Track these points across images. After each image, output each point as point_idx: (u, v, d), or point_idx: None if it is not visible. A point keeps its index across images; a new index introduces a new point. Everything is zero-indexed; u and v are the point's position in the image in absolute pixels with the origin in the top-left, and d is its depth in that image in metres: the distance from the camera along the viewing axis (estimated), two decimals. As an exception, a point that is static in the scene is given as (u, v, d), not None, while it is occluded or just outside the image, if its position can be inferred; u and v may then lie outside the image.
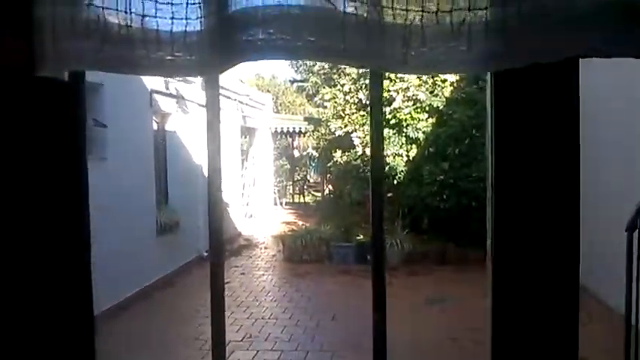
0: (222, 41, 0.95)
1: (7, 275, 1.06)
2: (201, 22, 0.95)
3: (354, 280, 9.81)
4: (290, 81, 26.30)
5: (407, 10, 0.93)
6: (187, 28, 0.96)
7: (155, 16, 0.96)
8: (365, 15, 0.92)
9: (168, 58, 0.96)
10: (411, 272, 10.03)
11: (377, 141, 1.24)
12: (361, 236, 11.19)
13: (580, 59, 1.02)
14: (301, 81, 24.79)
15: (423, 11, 0.93)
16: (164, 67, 0.97)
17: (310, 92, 22.61)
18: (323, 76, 19.75)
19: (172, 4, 0.96)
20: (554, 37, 0.91)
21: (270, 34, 0.93)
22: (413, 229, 10.87)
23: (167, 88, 9.83)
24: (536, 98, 1.07)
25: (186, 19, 0.96)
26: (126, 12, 0.94)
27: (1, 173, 1.05)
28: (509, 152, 1.08)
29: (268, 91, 20.39)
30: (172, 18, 0.96)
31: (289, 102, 25.52)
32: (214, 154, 1.21)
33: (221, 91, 11.86)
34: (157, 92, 9.49)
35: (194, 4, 0.95)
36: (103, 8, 0.94)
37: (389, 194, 11.35)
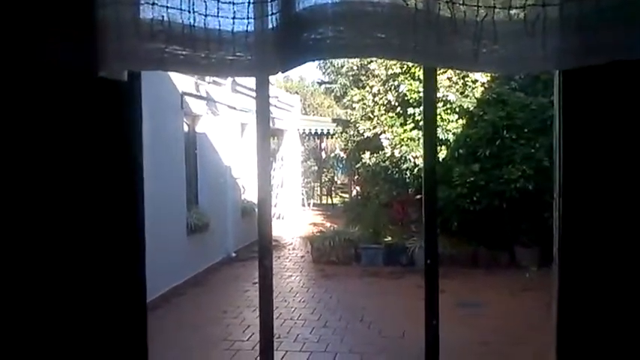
0: (287, 40, 0.93)
1: (66, 270, 1.09)
2: (263, 21, 0.94)
3: (382, 282, 9.75)
4: (318, 83, 26.34)
5: (478, 7, 0.90)
6: (249, 28, 0.96)
7: (217, 16, 0.95)
8: (436, 12, 0.89)
9: (229, 57, 0.95)
10: (441, 275, 9.83)
11: (430, 141, 1.22)
12: (389, 238, 11.13)
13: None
14: (329, 83, 24.80)
15: (495, 7, 0.90)
16: (225, 66, 0.96)
17: (338, 94, 22.61)
18: (351, 78, 19.75)
19: (234, 3, 0.95)
20: (635, 33, 0.87)
21: (340, 32, 0.92)
22: (443, 230, 10.75)
23: (198, 90, 9.95)
24: (607, 97, 1.02)
25: (248, 18, 0.95)
26: (189, 11, 0.94)
27: (64, 172, 1.07)
28: (579, 154, 1.03)
29: (297, 92, 20.46)
30: (234, 17, 0.95)
31: (317, 104, 25.56)
32: (264, 159, 1.21)
33: (250, 93, 11.95)
34: (188, 94, 9.60)
35: (256, 3, 0.94)
36: (167, 8, 0.94)
37: (418, 196, 11.26)
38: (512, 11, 0.92)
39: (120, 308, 1.13)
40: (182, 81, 9.29)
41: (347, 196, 17.74)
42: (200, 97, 10.12)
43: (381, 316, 7.60)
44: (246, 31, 0.95)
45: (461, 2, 0.90)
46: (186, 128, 9.99)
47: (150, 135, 7.75)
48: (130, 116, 1.10)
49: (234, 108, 11.63)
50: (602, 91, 1.02)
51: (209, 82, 10.16)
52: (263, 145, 1.23)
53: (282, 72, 1.00)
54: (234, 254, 11.17)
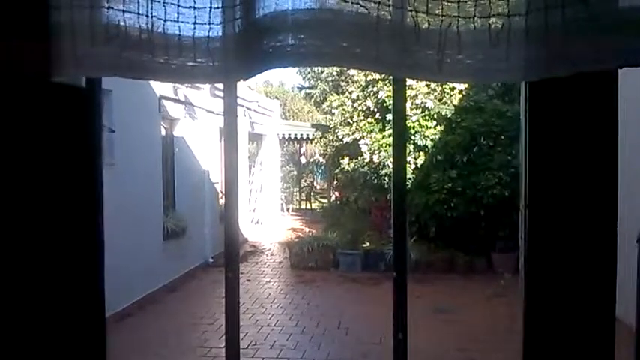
0: (248, 47, 0.90)
1: (22, 277, 1.06)
2: (224, 27, 0.92)
3: (360, 288, 9.76)
4: (298, 88, 26.36)
5: (443, 16, 0.89)
6: (210, 34, 0.93)
7: (177, 21, 0.92)
8: (400, 21, 0.88)
9: (190, 64, 0.92)
10: (418, 280, 9.96)
11: (399, 153, 1.20)
12: (368, 243, 11.15)
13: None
14: (309, 88, 24.83)
15: (459, 17, 0.89)
16: (185, 73, 0.94)
17: (318, 99, 22.66)
18: (331, 83, 19.81)
19: (195, 8, 0.92)
20: (601, 44, 0.87)
21: (301, 40, 0.90)
22: (420, 236, 10.82)
23: (176, 94, 9.87)
24: (573, 109, 1.02)
25: (210, 24, 0.92)
26: (147, 16, 0.90)
27: (18, 178, 1.04)
28: (545, 165, 1.02)
29: (276, 97, 20.43)
30: (195, 23, 0.92)
31: (297, 109, 25.55)
32: (232, 163, 1.20)
33: (229, 97, 11.83)
34: (166, 98, 9.52)
35: (217, 8, 0.92)
36: (123, 12, 0.91)
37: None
38: (477, 21, 0.90)
39: (78, 318, 1.11)
40: (160, 84, 9.20)
41: (326, 201, 17.75)
42: (178, 101, 10.05)
43: (358, 322, 7.59)
44: (208, 36, 0.92)
45: (424, 11, 0.89)
46: (163, 132, 9.90)
47: (126, 139, 7.69)
48: (90, 122, 1.07)
49: (213, 112, 11.56)
50: (568, 101, 1.02)
51: (187, 86, 10.09)
52: (231, 155, 1.22)
53: (244, 79, 0.98)
54: (211, 260, 11.07)
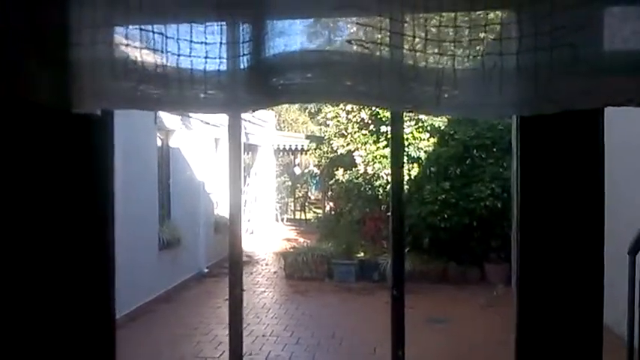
0: (257, 83, 0.95)
1: (36, 290, 1.11)
2: (235, 61, 0.96)
3: (354, 298, 9.79)
4: (292, 98, 26.35)
5: (440, 54, 0.94)
6: (221, 67, 0.98)
7: (189, 55, 0.97)
8: (400, 59, 0.94)
9: (202, 95, 0.97)
10: (411, 291, 9.98)
11: (397, 177, 1.26)
12: (362, 254, 11.20)
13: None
14: (304, 99, 24.81)
15: (455, 55, 0.95)
16: (197, 104, 0.99)
17: (312, 110, 22.75)
18: (325, 95, 19.85)
19: (206, 43, 0.97)
20: (589, 85, 0.92)
21: (309, 79, 0.95)
22: (414, 247, 10.87)
23: (171, 105, 9.92)
24: (562, 142, 1.08)
25: (220, 58, 0.97)
26: (162, 52, 0.97)
27: (38, 203, 1.09)
28: (535, 191, 1.09)
29: (271, 108, 20.50)
30: (206, 57, 0.97)
31: (292, 120, 25.63)
32: (236, 188, 1.25)
33: (225, 108, 11.86)
34: (162, 109, 9.56)
35: (229, 43, 0.97)
36: (140, 49, 0.97)
37: (390, 213, 11.36)
38: (471, 59, 0.97)
39: (89, 327, 1.16)
40: (156, 96, 9.24)
41: (320, 211, 17.78)
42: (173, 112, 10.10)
43: (352, 332, 7.63)
44: (219, 70, 0.97)
45: (422, 51, 0.95)
46: (159, 143, 9.94)
47: (122, 150, 7.72)
48: (103, 148, 1.13)
49: (208, 123, 11.62)
50: (557, 133, 1.09)
51: (183, 97, 10.16)
52: (235, 181, 1.27)
53: (253, 112, 1.04)
54: (206, 270, 11.08)
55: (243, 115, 14.32)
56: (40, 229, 1.11)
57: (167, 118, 9.83)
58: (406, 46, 0.94)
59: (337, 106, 12.57)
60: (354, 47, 0.93)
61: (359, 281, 10.59)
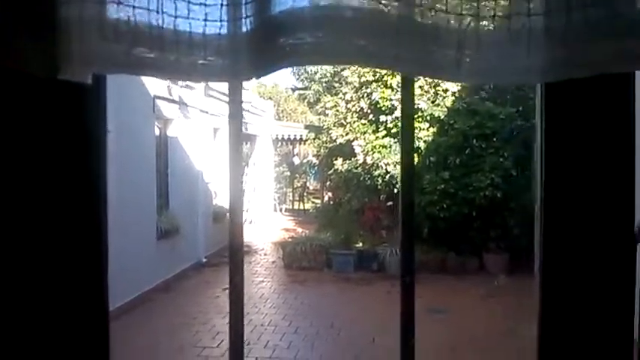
0: (263, 45, 0.88)
1: (24, 276, 1.05)
2: (237, 24, 0.89)
3: (353, 288, 9.77)
4: (291, 89, 26.33)
5: (462, 14, 0.87)
6: (222, 31, 0.91)
7: (188, 17, 0.90)
8: (419, 19, 0.86)
9: (201, 62, 0.90)
10: (410, 281, 9.98)
11: (408, 157, 1.18)
12: (360, 244, 11.17)
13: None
14: (303, 89, 24.81)
15: (479, 16, 0.87)
16: (195, 71, 0.91)
17: (311, 100, 22.66)
18: (324, 84, 19.81)
19: (206, 4, 0.90)
20: (625, 47, 0.85)
21: (319, 38, 0.88)
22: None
23: (170, 94, 9.83)
24: (589, 109, 1.01)
25: (221, 21, 0.90)
26: (158, 12, 0.87)
27: (22, 180, 1.03)
28: (561, 165, 1.01)
29: (270, 98, 20.42)
30: (206, 20, 0.90)
31: (291, 109, 25.54)
32: (236, 168, 1.18)
33: (223, 97, 11.91)
34: (160, 98, 9.48)
35: (230, 4, 0.90)
36: (133, 7, 0.89)
37: (389, 203, 11.34)
38: (497, 20, 0.88)
39: (82, 316, 1.10)
40: (154, 84, 9.17)
41: (319, 201, 17.74)
42: (172, 101, 10.01)
43: (351, 322, 7.60)
44: (219, 34, 0.89)
45: (444, 10, 0.87)
46: (157, 132, 9.87)
47: (120, 139, 7.65)
48: (96, 120, 1.06)
49: (207, 112, 11.54)
50: (585, 102, 1.02)
51: (182, 86, 10.06)
52: (235, 152, 1.20)
53: (257, 78, 0.96)
54: (204, 259, 11.05)
55: (243, 105, 14.22)
56: (27, 212, 1.04)
57: (165, 106, 9.75)
58: (427, 5, 0.86)
59: (336, 95, 12.49)
60: (370, 3, 0.85)
61: (357, 271, 10.57)
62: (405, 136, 1.17)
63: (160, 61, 0.89)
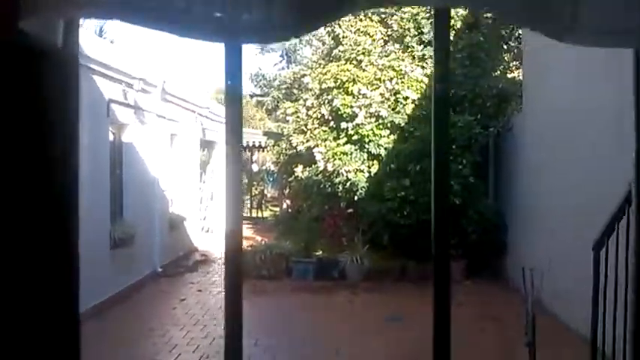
0: None
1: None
2: None
3: (314, 297, 9.66)
4: (250, 95, 26.10)
5: None
6: None
7: None
8: None
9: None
10: (371, 289, 9.96)
11: (440, 125, 1.07)
12: (320, 252, 11.09)
13: None
14: (261, 95, 24.62)
15: None
16: (196, 27, 0.78)
17: (270, 107, 22.52)
18: (284, 91, 19.71)
19: None
20: None
21: None
22: (373, 245, 10.83)
23: (125, 98, 9.53)
24: None
25: None
26: None
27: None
28: None
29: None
30: None
31: (249, 116, 25.31)
32: (234, 151, 1.05)
33: (180, 103, 11.67)
34: (115, 102, 9.17)
35: None
36: None
37: (349, 210, 11.30)
38: None
39: (52, 322, 0.97)
40: (109, 88, 8.87)
41: (277, 209, 17.59)
42: (128, 105, 9.70)
43: (313, 331, 7.49)
44: None
45: None
46: (112, 137, 9.54)
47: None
48: (66, 81, 0.91)
49: (164, 117, 11.26)
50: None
51: (137, 90, 9.76)
52: (233, 137, 1.08)
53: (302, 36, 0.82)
54: (160, 269, 10.73)
55: (200, 110, 13.96)
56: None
57: (120, 111, 9.44)
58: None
59: (297, 101, 12.42)
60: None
61: (318, 279, 10.47)
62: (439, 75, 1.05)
63: (162, 10, 0.73)
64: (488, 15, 12.09)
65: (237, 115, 1.04)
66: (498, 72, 12.53)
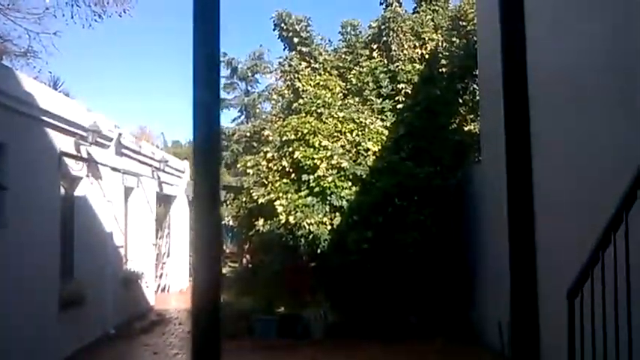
0: None
1: None
2: None
3: (276, 356, 9.24)
4: (208, 149, 25.84)
5: None
6: None
7: None
8: None
9: None
10: (336, 346, 9.61)
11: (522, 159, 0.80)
12: (283, 308, 10.70)
13: None
14: (220, 149, 24.39)
15: None
16: None
17: (229, 161, 22.30)
18: (244, 144, 19.61)
19: None
20: None
21: None
22: (337, 299, 10.54)
23: (78, 151, 9.18)
24: None
25: None
26: None
27: None
28: None
29: (186, 158, 19.83)
30: None
31: (207, 170, 24.94)
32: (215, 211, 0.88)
33: (137, 156, 11.39)
34: (67, 155, 8.82)
35: None
36: None
37: (312, 264, 11.02)
38: None
39: None
40: (61, 140, 8.54)
41: (237, 265, 17.10)
42: (81, 158, 9.34)
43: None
44: None
45: None
46: (63, 191, 9.11)
47: (20, 198, 6.93)
48: None
49: (119, 171, 10.90)
50: None
51: (92, 143, 9.44)
52: (213, 203, 0.89)
53: None
54: (113, 331, 10.10)
55: (158, 164, 13.62)
56: None
57: (72, 164, 9.07)
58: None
59: (257, 154, 12.28)
60: None
61: (281, 337, 10.06)
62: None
63: None
64: (444, 70, 12.46)
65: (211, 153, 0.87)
66: (455, 125, 12.76)
